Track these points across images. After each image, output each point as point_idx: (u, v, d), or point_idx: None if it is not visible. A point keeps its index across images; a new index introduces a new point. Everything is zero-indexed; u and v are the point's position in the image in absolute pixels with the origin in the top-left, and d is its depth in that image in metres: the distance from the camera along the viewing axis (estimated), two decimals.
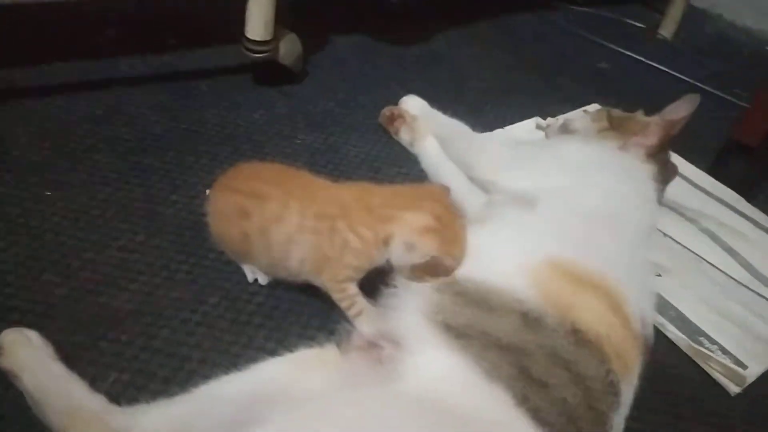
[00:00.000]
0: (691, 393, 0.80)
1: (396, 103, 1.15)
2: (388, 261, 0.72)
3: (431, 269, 0.68)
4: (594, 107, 1.20)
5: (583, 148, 0.91)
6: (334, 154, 1.08)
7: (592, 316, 0.64)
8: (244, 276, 0.81)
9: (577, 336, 0.63)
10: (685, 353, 0.84)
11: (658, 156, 0.89)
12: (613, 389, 0.62)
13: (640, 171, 0.88)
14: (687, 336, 0.85)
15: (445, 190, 0.78)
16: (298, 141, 1.09)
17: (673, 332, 0.85)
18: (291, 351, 0.67)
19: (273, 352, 0.69)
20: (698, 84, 1.61)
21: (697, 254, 0.99)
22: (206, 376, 0.64)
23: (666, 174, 0.95)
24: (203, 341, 0.72)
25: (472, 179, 0.96)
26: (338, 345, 0.69)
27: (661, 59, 1.73)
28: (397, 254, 0.70)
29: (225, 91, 1.19)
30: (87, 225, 0.84)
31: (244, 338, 0.73)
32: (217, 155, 1.02)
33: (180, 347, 0.71)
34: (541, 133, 1.18)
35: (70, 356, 0.65)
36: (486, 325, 0.63)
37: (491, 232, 0.76)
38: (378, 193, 0.74)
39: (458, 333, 0.62)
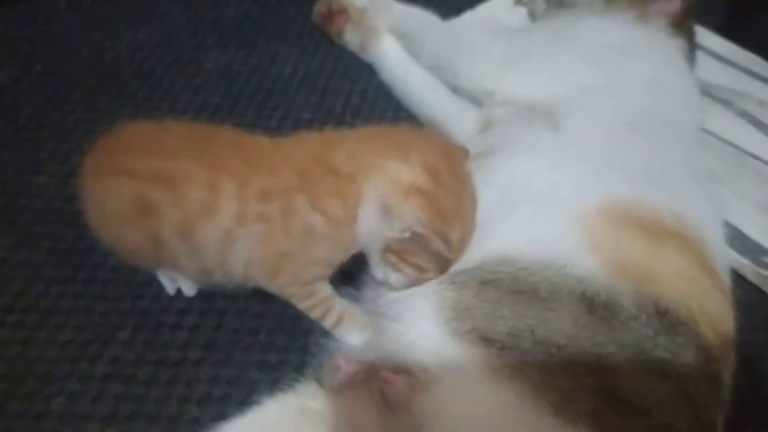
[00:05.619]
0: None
1: None
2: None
3: (413, 254, 0.46)
4: None
5: (600, 26, 0.69)
6: (261, 76, 0.80)
7: (678, 283, 0.45)
8: (161, 289, 0.55)
9: (666, 319, 0.43)
10: (752, 283, 0.67)
11: (684, 26, 0.72)
12: (716, 383, 0.44)
13: (672, 49, 0.67)
14: (751, 260, 0.67)
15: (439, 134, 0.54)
16: (209, 65, 0.79)
17: (734, 258, 0.66)
18: (253, 399, 0.45)
19: (225, 407, 0.47)
20: None
21: (737, 146, 0.79)
22: None
23: (693, 51, 0.74)
24: (120, 405, 0.48)
25: (456, 90, 0.71)
26: (320, 379, 0.47)
27: None
28: (369, 224, 0.47)
29: (91, 8, 0.84)
30: None
31: (179, 387, 0.50)
32: (95, 104, 0.72)
33: (84, 422, 0.47)
34: (523, 11, 0.91)
35: None
36: (539, 329, 0.42)
37: (508, 170, 0.54)
38: (345, 142, 0.49)
39: (501, 347, 0.42)
